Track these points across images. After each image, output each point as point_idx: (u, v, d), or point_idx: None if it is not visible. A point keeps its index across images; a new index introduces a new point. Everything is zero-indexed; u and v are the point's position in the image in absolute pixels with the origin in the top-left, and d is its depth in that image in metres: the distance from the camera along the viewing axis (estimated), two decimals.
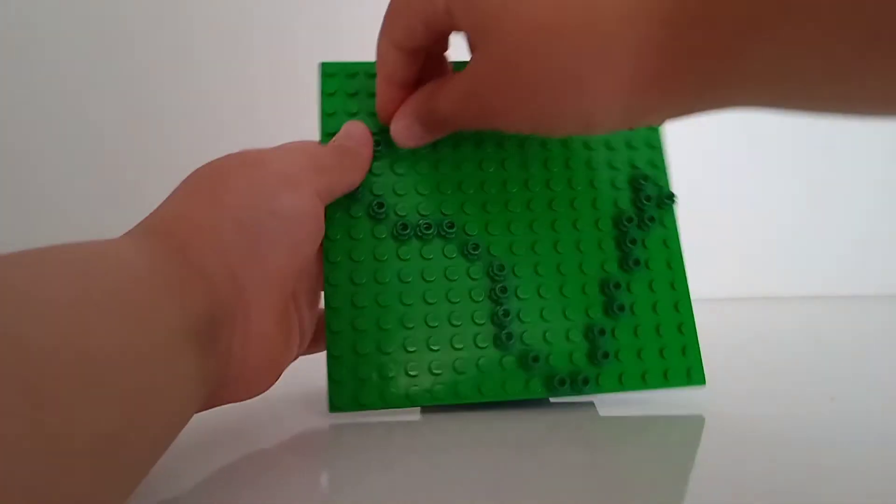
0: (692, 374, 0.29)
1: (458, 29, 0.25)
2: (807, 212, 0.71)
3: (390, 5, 0.27)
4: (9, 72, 0.61)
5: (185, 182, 0.25)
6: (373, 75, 0.32)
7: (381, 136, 0.31)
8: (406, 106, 0.29)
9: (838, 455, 0.24)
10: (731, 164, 0.70)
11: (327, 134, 0.31)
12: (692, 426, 0.28)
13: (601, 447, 0.25)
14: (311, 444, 0.27)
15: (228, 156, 0.26)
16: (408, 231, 0.30)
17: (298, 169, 0.25)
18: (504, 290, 0.29)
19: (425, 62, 0.28)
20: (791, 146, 0.71)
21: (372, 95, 0.31)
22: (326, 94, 0.31)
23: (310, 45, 0.63)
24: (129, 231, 0.23)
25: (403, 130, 0.29)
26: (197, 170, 0.25)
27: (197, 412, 0.22)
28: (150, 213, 0.24)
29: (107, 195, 0.62)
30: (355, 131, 0.30)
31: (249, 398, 0.25)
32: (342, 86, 0.31)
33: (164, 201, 0.24)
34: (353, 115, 0.31)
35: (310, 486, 0.23)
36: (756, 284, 0.70)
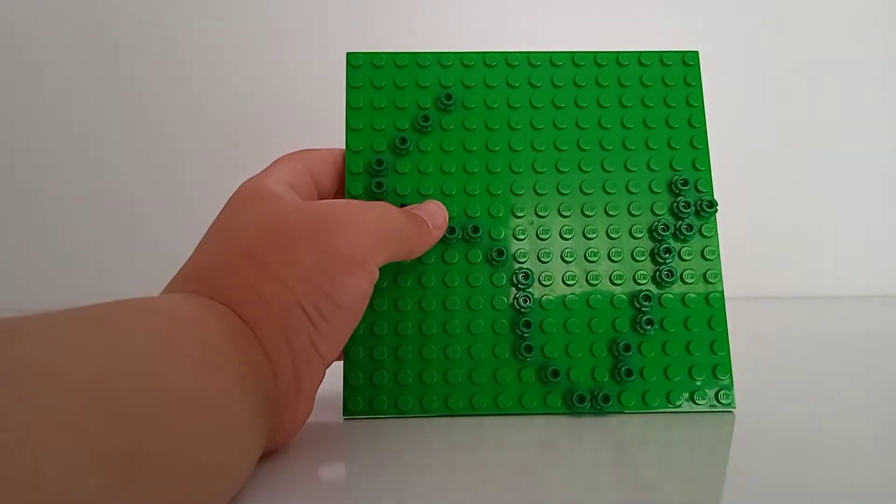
0: (721, 396, 0.28)
1: None
2: (807, 212, 0.70)
3: None
4: (18, 63, 0.61)
5: (238, 234, 0.24)
6: (401, 66, 0.30)
7: (407, 134, 0.29)
8: None
9: (838, 455, 0.24)
10: (731, 165, 0.68)
11: (352, 129, 0.30)
12: (719, 423, 0.27)
13: (629, 445, 0.25)
14: (326, 439, 0.27)
15: (290, 207, 0.24)
16: None
17: (368, 244, 0.24)
18: (527, 299, 0.28)
19: None
20: (792, 146, 0.69)
21: (400, 87, 0.30)
22: (352, 87, 0.30)
23: (337, 33, 0.62)
24: (185, 280, 0.23)
25: None
26: (250, 217, 0.24)
27: None
28: (201, 263, 0.23)
29: (117, 199, 0.63)
30: (436, 212, 0.28)
31: None
32: (369, 77, 0.30)
33: (215, 249, 0.24)
34: (379, 110, 0.30)
35: (325, 483, 0.23)
36: (756, 284, 0.69)
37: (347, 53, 0.30)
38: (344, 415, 0.28)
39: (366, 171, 0.29)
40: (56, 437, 0.12)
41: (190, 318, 0.19)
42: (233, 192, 0.26)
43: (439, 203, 0.28)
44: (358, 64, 0.30)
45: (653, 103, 0.30)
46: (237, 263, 0.23)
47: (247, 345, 0.21)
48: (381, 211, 0.25)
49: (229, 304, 0.21)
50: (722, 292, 0.29)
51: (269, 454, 0.24)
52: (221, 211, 0.25)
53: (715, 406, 0.28)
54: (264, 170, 0.27)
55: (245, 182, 0.26)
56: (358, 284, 0.23)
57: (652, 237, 0.29)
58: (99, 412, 0.13)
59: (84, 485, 0.12)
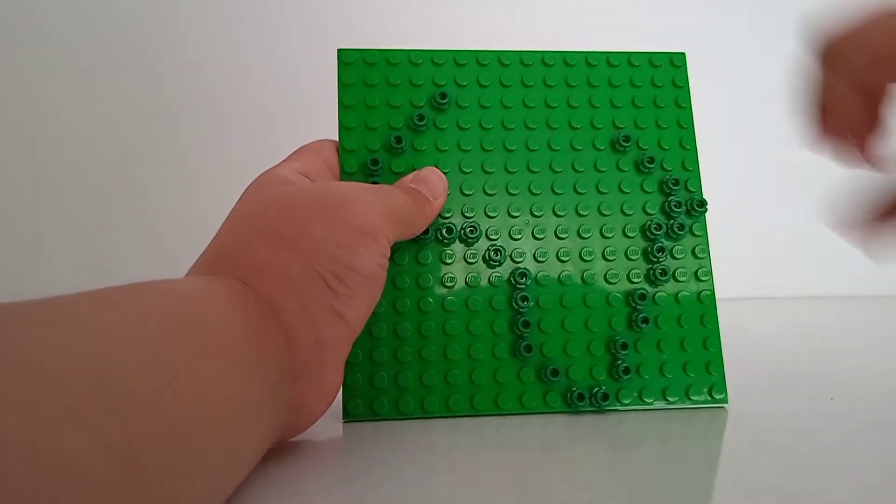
0: (715, 391, 0.29)
1: None
2: (807, 212, 0.71)
3: None
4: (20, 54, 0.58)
5: (253, 215, 0.24)
6: (394, 64, 0.30)
7: (402, 133, 0.29)
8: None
9: (829, 451, 0.24)
10: (731, 165, 0.69)
11: (345, 128, 0.29)
12: (713, 420, 0.28)
13: (624, 442, 0.25)
14: (326, 444, 0.27)
15: (302, 188, 0.25)
16: (428, 235, 0.28)
17: (377, 220, 0.24)
18: (525, 298, 0.28)
19: None
20: (791, 146, 0.70)
21: (392, 85, 0.30)
22: (344, 84, 0.30)
23: (328, 30, 0.60)
24: (204, 264, 0.23)
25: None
26: (263, 199, 0.25)
27: None
28: (220, 245, 0.23)
29: (115, 191, 0.61)
30: (434, 182, 0.28)
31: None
32: (361, 75, 0.30)
33: (232, 231, 0.24)
34: (372, 108, 0.29)
35: (326, 487, 0.22)
36: (756, 285, 0.70)
37: (339, 50, 0.30)
38: (344, 418, 0.27)
39: (361, 171, 0.29)
40: (56, 430, 0.12)
41: (199, 298, 0.19)
42: (225, 188, 0.26)
43: (434, 169, 0.28)
44: (350, 61, 0.30)
45: (643, 104, 0.31)
46: (252, 241, 0.23)
47: (260, 318, 0.21)
48: (386, 191, 0.26)
49: (246, 281, 0.22)
50: (713, 290, 0.30)
51: (295, 433, 0.24)
52: (238, 199, 0.25)
53: (708, 402, 0.29)
54: (282, 161, 0.27)
55: (262, 173, 0.26)
56: (372, 256, 0.24)
57: (645, 236, 0.30)
58: (101, 404, 0.13)
59: (87, 478, 0.12)
